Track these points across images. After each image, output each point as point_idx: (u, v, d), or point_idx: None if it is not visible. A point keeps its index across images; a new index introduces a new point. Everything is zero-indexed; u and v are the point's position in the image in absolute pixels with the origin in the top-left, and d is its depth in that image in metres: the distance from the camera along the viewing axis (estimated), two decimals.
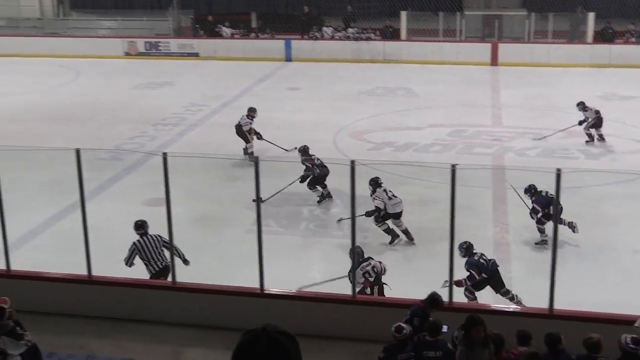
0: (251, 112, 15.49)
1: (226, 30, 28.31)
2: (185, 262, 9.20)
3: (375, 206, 11.15)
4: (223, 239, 11.46)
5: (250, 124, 15.24)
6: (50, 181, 13.63)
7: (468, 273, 8.93)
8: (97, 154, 14.70)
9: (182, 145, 16.02)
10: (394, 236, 11.24)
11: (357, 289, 8.65)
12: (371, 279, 8.95)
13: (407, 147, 16.05)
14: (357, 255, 8.77)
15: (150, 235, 9.30)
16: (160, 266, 9.22)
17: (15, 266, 9.14)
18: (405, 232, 11.22)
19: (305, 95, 21.25)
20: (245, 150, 15.09)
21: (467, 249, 9.12)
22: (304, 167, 12.87)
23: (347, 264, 8.96)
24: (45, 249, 10.91)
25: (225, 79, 23.68)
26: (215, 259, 10.47)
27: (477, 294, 9.09)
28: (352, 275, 8.72)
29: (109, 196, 13.20)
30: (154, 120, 18.54)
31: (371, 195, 11.17)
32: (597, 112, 15.89)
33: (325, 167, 12.72)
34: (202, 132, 17.61)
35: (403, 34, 26.99)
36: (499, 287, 9.15)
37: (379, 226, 11.25)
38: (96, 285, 8.88)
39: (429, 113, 18.98)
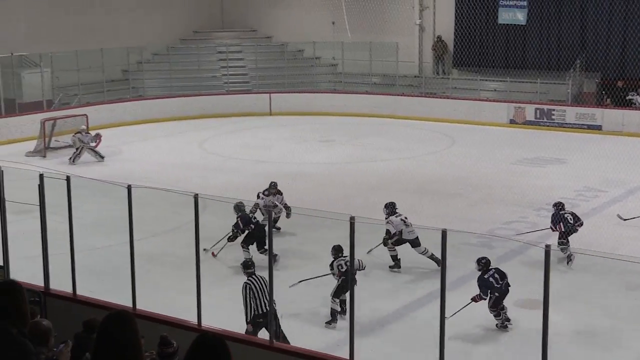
0: (270, 189, 15.55)
1: (639, 100, 27.59)
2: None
3: (387, 230, 13.92)
4: None
5: (261, 202, 15.33)
6: None
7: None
8: (465, 238, 15.01)
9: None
10: (397, 266, 14.06)
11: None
12: (342, 270, 11.73)
13: None
14: (335, 250, 11.92)
15: (257, 275, 10.90)
16: (265, 309, 10.43)
17: (359, 358, 9.69)
18: (432, 257, 13.77)
19: None
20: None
21: (485, 264, 11.73)
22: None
23: None
24: (396, 342, 11.34)
25: (634, 160, 22.86)
26: None
27: None
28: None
29: (470, 291, 13.37)
30: (538, 203, 18.52)
31: (385, 219, 14.02)
32: None
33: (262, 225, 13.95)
34: (596, 223, 17.10)
35: None
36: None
37: (389, 250, 14.01)
38: None
39: None
